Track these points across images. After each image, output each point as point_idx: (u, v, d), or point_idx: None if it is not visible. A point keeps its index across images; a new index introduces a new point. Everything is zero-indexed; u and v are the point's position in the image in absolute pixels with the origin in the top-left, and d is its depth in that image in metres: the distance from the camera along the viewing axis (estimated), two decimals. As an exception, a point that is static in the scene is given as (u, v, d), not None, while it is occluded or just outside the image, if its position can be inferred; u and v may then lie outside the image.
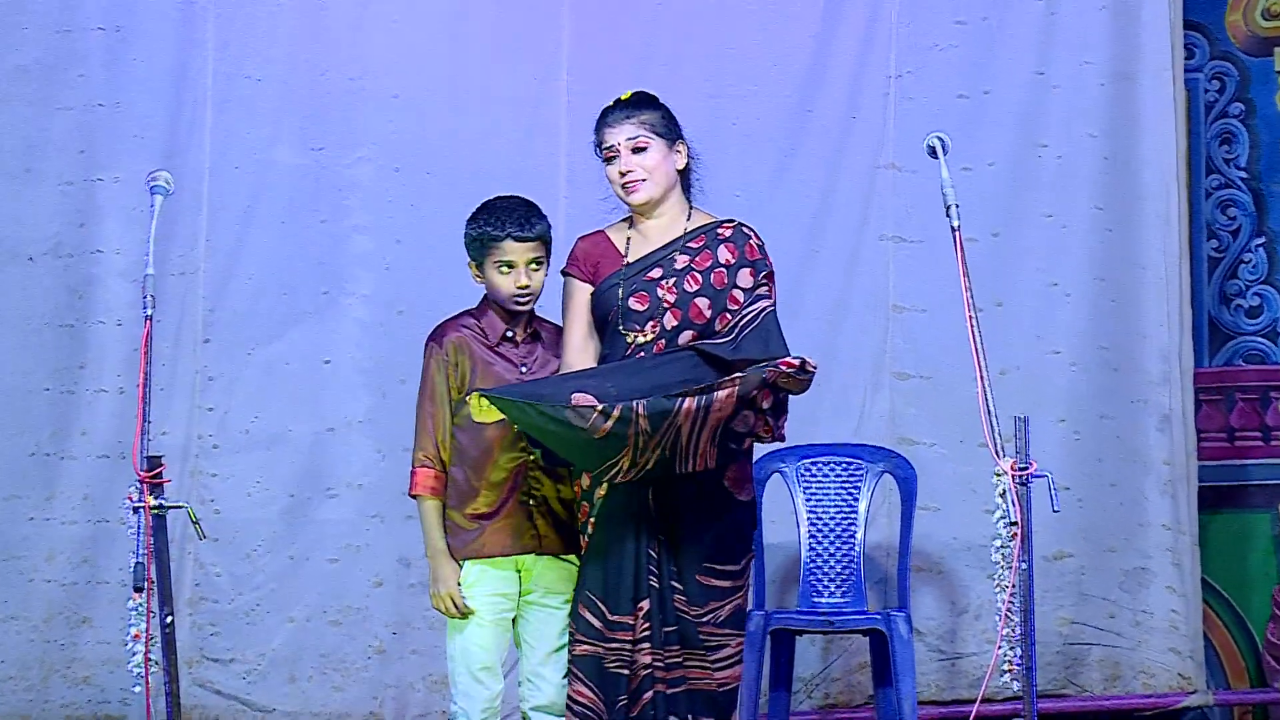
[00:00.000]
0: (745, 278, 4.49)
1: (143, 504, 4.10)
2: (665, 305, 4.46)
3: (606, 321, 4.50)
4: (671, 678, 4.39)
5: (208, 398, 5.97)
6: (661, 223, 4.56)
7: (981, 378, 4.04)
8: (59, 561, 5.89)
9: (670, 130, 4.55)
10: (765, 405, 4.28)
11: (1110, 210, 6.19)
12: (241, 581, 5.94)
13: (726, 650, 4.43)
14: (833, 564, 5.61)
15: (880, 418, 6.11)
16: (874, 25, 6.20)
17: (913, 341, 6.13)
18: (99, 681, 5.88)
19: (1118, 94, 6.21)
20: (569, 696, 4.43)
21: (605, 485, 4.38)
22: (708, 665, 4.40)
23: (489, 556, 4.55)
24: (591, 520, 4.44)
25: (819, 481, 5.67)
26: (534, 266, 4.57)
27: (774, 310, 4.45)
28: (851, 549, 5.60)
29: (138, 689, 4.08)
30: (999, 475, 3.99)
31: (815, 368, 4.21)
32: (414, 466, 4.59)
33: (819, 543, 5.62)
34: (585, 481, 4.45)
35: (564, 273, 4.60)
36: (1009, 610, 3.94)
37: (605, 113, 4.57)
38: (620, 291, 4.49)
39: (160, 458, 4.19)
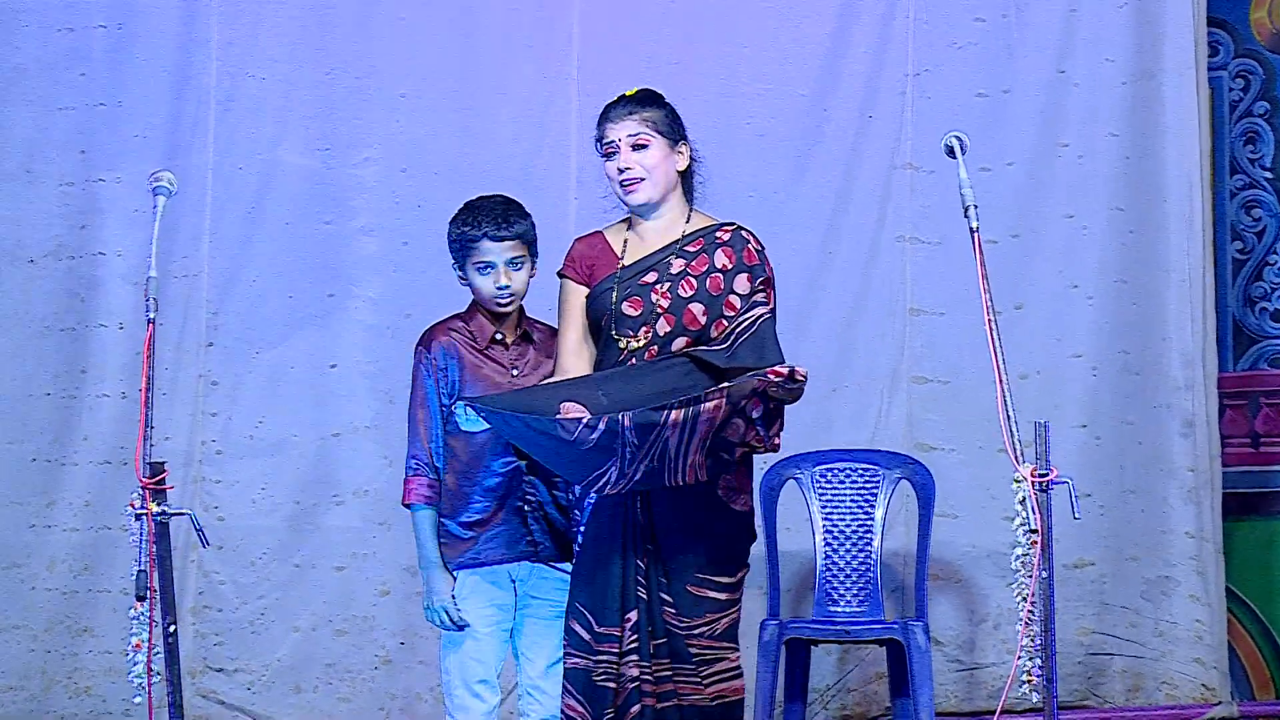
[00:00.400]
0: (742, 283, 4.41)
1: (145, 511, 4.06)
2: (659, 311, 4.39)
3: (600, 325, 4.44)
4: (661, 691, 4.32)
5: (211, 403, 5.96)
6: (660, 225, 4.49)
7: (1001, 382, 4.00)
8: (60, 569, 5.88)
9: (673, 130, 4.47)
10: (756, 414, 4.21)
11: (1132, 211, 6.17)
12: (246, 590, 5.93)
13: (723, 664, 4.35)
14: (849, 572, 5.59)
15: (897, 423, 6.10)
16: (891, 22, 6.19)
17: (930, 345, 6.12)
18: (100, 692, 5.86)
19: (1140, 93, 6.19)
20: (561, 710, 4.39)
21: (594, 495, 4.32)
22: (698, 680, 4.32)
23: (484, 565, 4.51)
24: (581, 530, 4.39)
25: (835, 488, 5.64)
26: (514, 266, 4.51)
27: (771, 318, 4.40)
28: (868, 557, 5.58)
29: (140, 700, 4.04)
30: (1018, 481, 3.94)
31: (805, 376, 4.17)
32: (406, 475, 4.56)
33: (835, 551, 5.60)
34: (576, 490, 4.41)
35: (560, 274, 4.54)
36: (1029, 619, 3.89)
37: (608, 108, 4.51)
38: (614, 295, 4.43)
39: (163, 464, 4.14)
